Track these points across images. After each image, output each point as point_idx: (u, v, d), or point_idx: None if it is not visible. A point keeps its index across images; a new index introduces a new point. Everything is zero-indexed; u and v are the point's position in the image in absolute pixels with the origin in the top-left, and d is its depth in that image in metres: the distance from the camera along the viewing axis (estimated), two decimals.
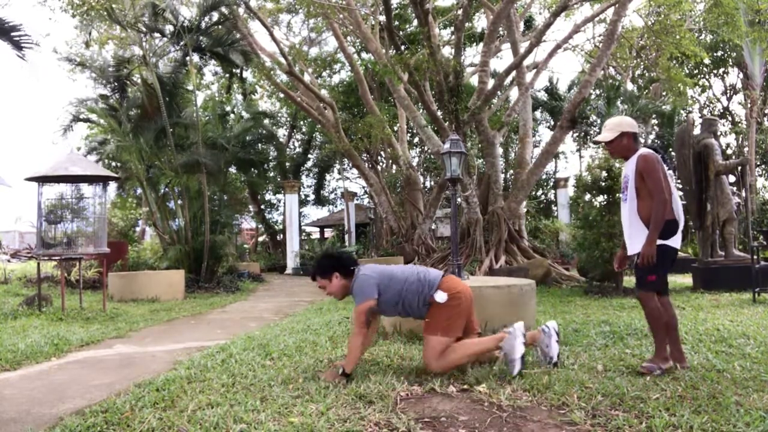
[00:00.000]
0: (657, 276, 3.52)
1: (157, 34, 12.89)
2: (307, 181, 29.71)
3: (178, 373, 3.75)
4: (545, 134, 25.96)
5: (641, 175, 3.55)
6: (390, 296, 3.62)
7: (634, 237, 3.61)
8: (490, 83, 12.70)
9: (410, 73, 11.91)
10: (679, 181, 10.27)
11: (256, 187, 23.40)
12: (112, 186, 15.11)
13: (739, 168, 9.14)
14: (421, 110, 15.21)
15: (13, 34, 6.98)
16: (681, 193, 12.81)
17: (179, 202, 13.29)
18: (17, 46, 7.06)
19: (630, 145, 3.71)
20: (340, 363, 3.81)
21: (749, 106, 18.26)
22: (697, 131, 9.27)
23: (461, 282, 3.78)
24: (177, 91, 12.99)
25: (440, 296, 3.58)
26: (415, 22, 16.13)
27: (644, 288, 3.55)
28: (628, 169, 3.67)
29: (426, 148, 23.08)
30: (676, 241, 3.54)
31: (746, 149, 18.42)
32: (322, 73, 25.57)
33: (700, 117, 20.24)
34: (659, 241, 3.47)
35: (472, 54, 23.24)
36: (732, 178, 9.32)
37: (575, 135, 23.03)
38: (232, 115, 17.51)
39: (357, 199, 26.99)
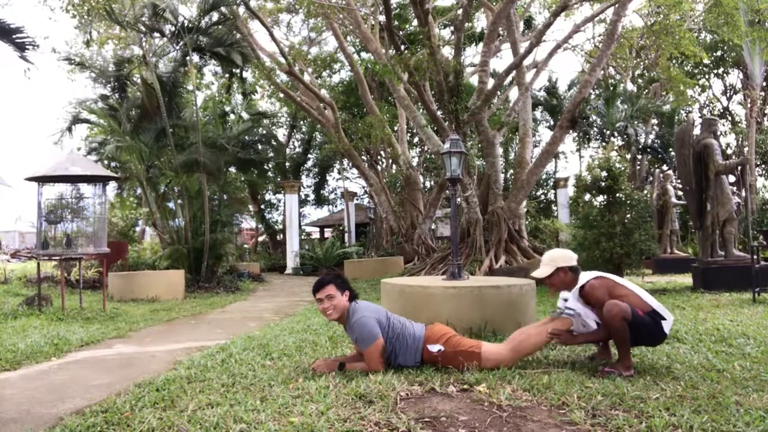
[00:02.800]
0: (644, 314, 3.45)
1: (156, 34, 12.89)
2: (307, 181, 29.75)
3: (178, 373, 3.75)
4: (545, 134, 25.98)
5: (590, 304, 3.58)
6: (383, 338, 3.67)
7: None
8: (490, 83, 12.69)
9: (410, 73, 11.91)
10: (679, 181, 10.26)
11: (256, 187, 23.42)
12: (112, 186, 15.12)
13: (739, 168, 9.13)
14: (421, 110, 15.20)
15: (15, 36, 6.99)
16: (681, 193, 12.82)
17: (179, 202, 13.30)
18: (20, 47, 7.07)
19: (568, 280, 3.73)
20: (341, 358, 3.82)
21: (749, 106, 18.27)
22: (697, 131, 9.27)
23: (442, 326, 3.88)
24: (177, 91, 13.00)
25: (435, 347, 3.65)
26: (415, 22, 16.14)
27: (627, 305, 3.43)
28: (577, 300, 3.69)
29: (426, 148, 23.08)
30: (666, 325, 3.54)
31: (746, 149, 18.43)
32: (322, 73, 25.57)
33: (700, 117, 20.26)
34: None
35: (472, 54, 23.27)
36: (732, 178, 9.31)
37: (575, 135, 23.03)
38: (232, 116, 17.51)
39: (357, 199, 27.00)
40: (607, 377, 3.33)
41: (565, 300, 3.77)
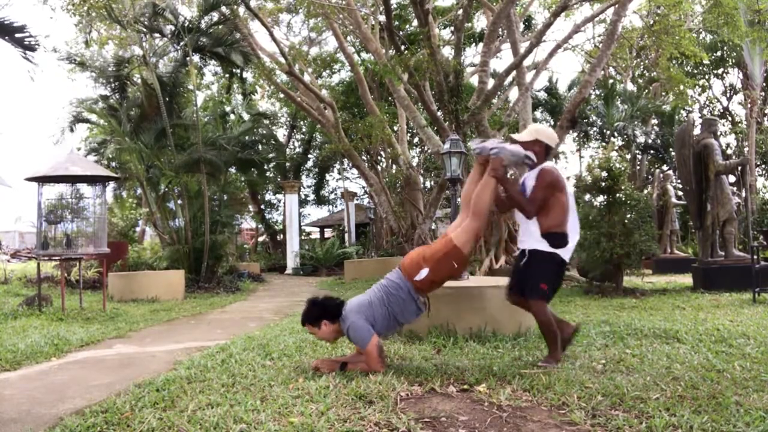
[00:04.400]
0: (548, 285, 3.72)
1: (157, 34, 12.89)
2: (307, 181, 29.74)
3: (178, 373, 3.75)
4: None
5: (543, 187, 3.69)
6: (381, 321, 3.68)
7: (527, 236, 3.78)
8: (490, 83, 12.68)
9: (410, 73, 11.90)
10: (679, 181, 10.24)
11: (256, 187, 23.40)
12: (111, 187, 15.12)
13: (739, 168, 9.14)
14: (421, 110, 15.20)
15: (17, 35, 6.96)
16: (681, 193, 12.83)
17: (179, 202, 13.30)
18: (23, 46, 7.04)
19: (539, 155, 3.84)
20: (343, 358, 3.83)
21: (749, 106, 18.26)
22: (697, 131, 9.27)
23: (410, 253, 3.89)
24: (177, 91, 13.00)
25: (422, 274, 3.64)
26: (415, 22, 16.12)
27: (536, 296, 3.72)
28: (529, 178, 3.81)
29: (426, 148, 23.07)
30: (565, 254, 3.72)
31: (746, 149, 18.42)
32: (322, 73, 25.57)
33: (700, 117, 20.25)
34: (552, 249, 3.66)
35: (472, 54, 23.25)
36: (732, 178, 9.32)
37: (575, 135, 23.02)
38: (232, 116, 17.52)
39: (357, 199, 27.00)
40: (543, 370, 3.48)
41: (481, 142, 3.89)
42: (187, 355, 4.67)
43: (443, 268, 3.65)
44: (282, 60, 16.06)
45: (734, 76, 22.06)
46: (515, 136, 3.97)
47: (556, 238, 3.69)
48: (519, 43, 13.79)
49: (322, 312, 3.73)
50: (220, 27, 12.84)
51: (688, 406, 2.77)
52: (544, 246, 3.69)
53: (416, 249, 3.89)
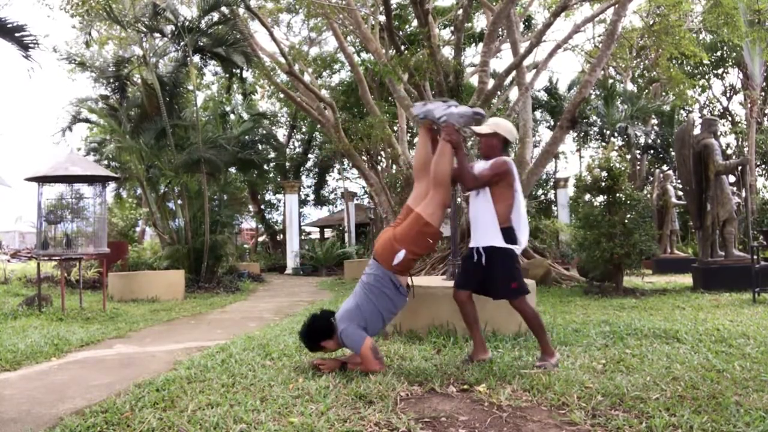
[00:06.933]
0: (517, 282, 3.70)
1: (157, 34, 12.88)
2: (307, 181, 29.72)
3: (178, 373, 3.75)
4: (545, 134, 25.94)
5: (492, 172, 3.72)
6: (372, 321, 3.69)
7: (482, 232, 3.74)
8: (490, 83, 12.69)
9: (410, 73, 11.89)
10: (679, 181, 10.23)
11: (256, 187, 23.41)
12: (111, 188, 15.13)
13: (739, 168, 9.14)
14: None
15: (17, 34, 6.95)
16: (681, 193, 12.83)
17: (179, 202, 13.29)
18: (22, 46, 7.03)
19: (497, 148, 3.87)
20: (343, 358, 3.83)
21: (749, 106, 18.25)
22: (697, 131, 9.27)
23: (380, 240, 3.82)
24: (177, 91, 12.99)
25: (398, 257, 3.63)
26: (415, 22, 16.12)
27: (513, 296, 3.71)
28: (483, 166, 3.83)
29: None
30: (517, 250, 3.74)
31: (746, 149, 18.41)
32: (322, 73, 25.57)
33: (700, 117, 20.24)
34: (506, 245, 3.66)
35: (472, 54, 23.25)
36: (732, 178, 9.32)
37: (575, 135, 23.02)
38: (232, 116, 17.51)
39: (357, 199, 26.98)
40: (542, 370, 3.49)
41: (423, 105, 3.92)
42: (187, 355, 4.67)
43: (418, 244, 3.67)
44: (282, 60, 16.06)
45: (734, 76, 22.08)
46: (477, 128, 3.96)
47: (506, 232, 3.69)
48: (519, 43, 13.80)
49: (318, 338, 3.76)
50: (221, 27, 12.83)
51: (688, 406, 2.77)
52: (500, 241, 3.66)
53: (384, 232, 3.83)
